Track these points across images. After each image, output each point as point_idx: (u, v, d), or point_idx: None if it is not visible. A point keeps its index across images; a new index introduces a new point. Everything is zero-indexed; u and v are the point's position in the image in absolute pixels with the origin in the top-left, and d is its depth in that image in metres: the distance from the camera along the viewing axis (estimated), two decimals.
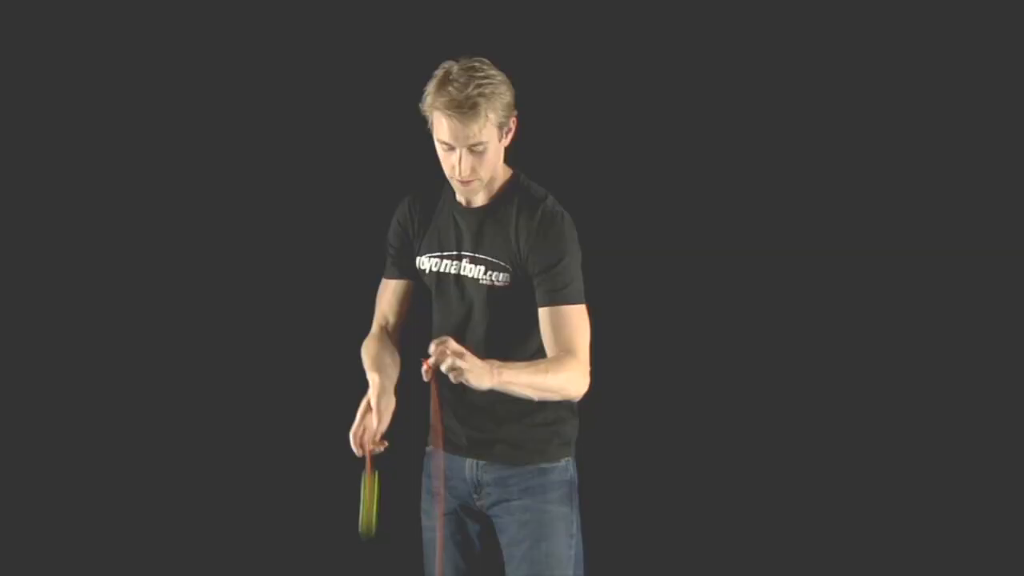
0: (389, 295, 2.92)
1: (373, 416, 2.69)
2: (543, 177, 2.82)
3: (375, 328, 2.90)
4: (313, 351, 4.16)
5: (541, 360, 2.67)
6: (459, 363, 2.49)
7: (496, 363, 2.56)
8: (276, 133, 4.18)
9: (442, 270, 2.81)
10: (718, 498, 4.20)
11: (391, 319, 2.91)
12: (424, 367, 2.53)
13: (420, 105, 2.68)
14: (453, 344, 2.52)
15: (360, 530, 2.70)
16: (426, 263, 2.84)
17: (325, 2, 4.15)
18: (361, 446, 2.69)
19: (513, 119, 2.70)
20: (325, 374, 4.14)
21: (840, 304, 4.15)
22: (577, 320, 2.70)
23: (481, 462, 2.81)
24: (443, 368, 2.50)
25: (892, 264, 4.13)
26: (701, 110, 4.13)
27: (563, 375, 2.64)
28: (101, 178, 4.19)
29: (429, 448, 2.93)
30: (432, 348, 2.52)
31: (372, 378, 2.73)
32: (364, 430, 2.70)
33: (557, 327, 2.68)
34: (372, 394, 2.71)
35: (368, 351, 2.82)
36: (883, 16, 4.03)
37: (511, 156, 2.77)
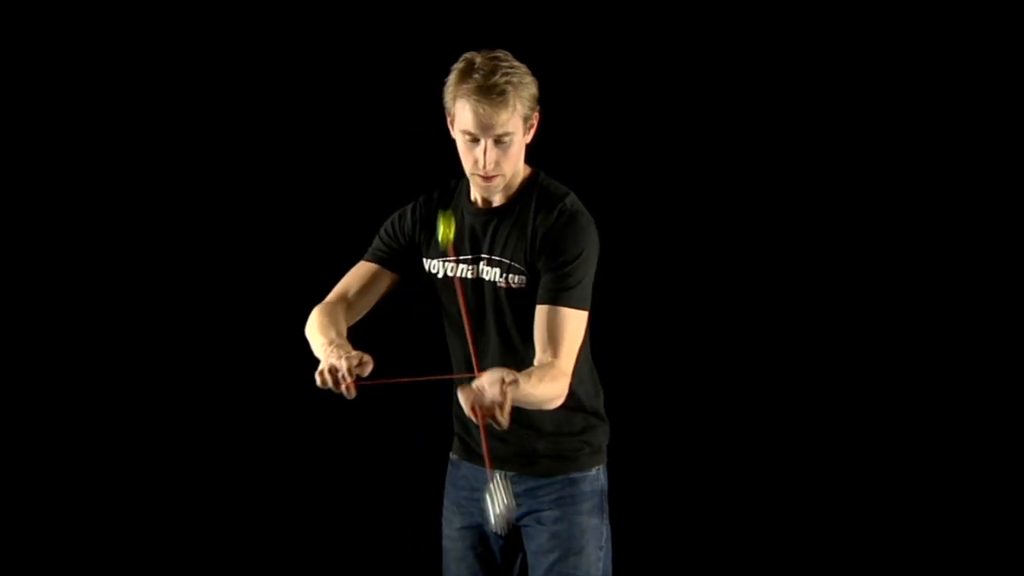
0: (360, 273, 2.78)
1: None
2: (566, 175, 2.75)
3: (331, 297, 2.75)
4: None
5: (535, 369, 2.53)
6: (505, 412, 2.34)
7: (505, 381, 2.35)
8: (283, 136, 4.18)
9: (458, 275, 2.70)
10: (746, 507, 4.19)
11: (351, 297, 2.75)
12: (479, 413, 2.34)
13: (443, 99, 2.59)
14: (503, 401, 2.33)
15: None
16: (438, 267, 2.73)
17: (329, 4, 4.14)
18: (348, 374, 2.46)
19: (536, 114, 2.63)
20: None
21: (886, 317, 4.15)
22: (574, 326, 2.59)
23: (511, 473, 2.71)
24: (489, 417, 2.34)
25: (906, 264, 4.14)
26: (712, 111, 4.12)
27: (552, 388, 2.53)
28: (132, 188, 4.19)
29: (453, 456, 2.87)
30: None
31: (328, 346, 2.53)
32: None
33: (552, 327, 2.58)
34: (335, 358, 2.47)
35: (316, 322, 2.65)
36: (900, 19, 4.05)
37: (532, 154, 2.70)
